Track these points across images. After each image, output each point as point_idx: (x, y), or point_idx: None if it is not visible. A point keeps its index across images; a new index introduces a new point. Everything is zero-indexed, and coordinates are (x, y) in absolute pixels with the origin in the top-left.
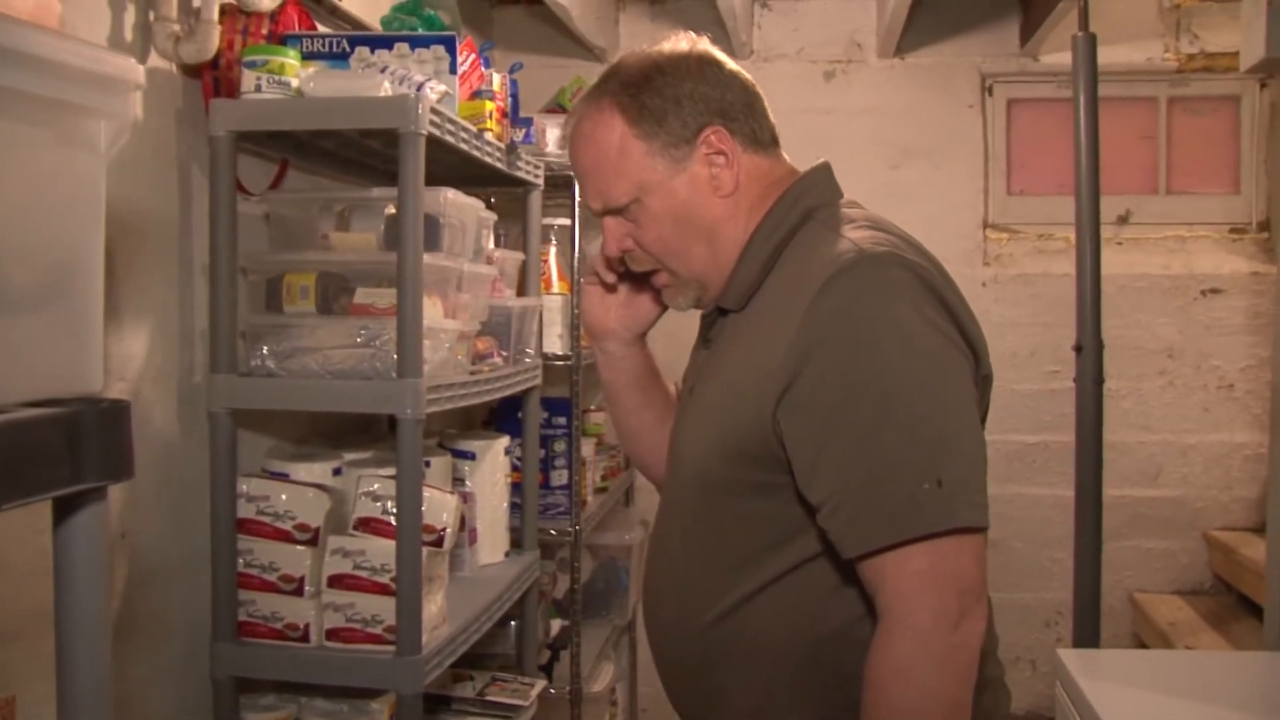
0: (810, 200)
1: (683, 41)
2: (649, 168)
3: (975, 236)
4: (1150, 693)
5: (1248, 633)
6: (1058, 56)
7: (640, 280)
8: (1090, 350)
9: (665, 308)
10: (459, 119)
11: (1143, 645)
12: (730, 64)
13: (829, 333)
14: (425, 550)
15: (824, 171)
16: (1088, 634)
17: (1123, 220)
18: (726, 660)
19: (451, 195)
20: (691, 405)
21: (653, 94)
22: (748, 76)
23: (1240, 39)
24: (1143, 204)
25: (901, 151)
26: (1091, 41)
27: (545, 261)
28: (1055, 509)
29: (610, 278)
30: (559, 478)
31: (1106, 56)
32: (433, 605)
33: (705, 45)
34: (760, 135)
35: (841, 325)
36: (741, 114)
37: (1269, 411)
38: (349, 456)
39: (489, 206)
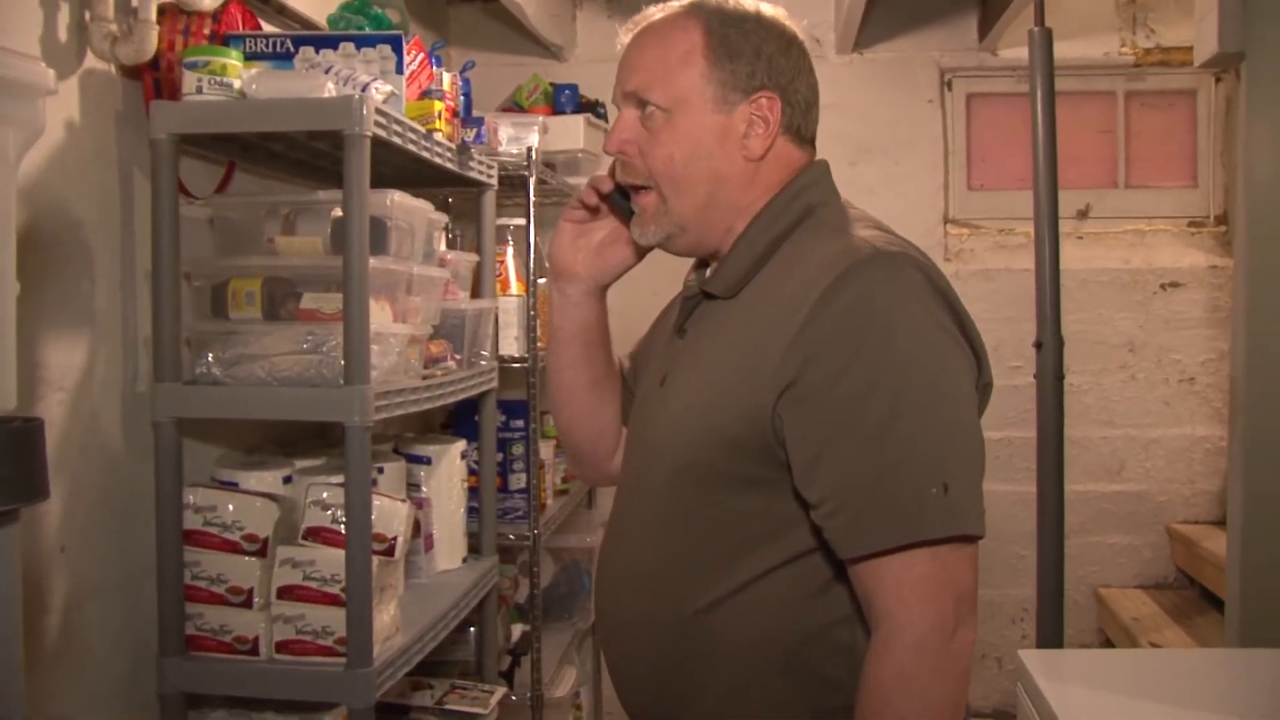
0: (812, 196)
1: (785, 14)
2: (699, 89)
3: (936, 232)
4: (1111, 693)
5: (1211, 626)
6: (1016, 51)
7: (614, 229)
8: (1050, 346)
9: (635, 261)
10: (406, 119)
11: (1108, 640)
12: (810, 61)
13: (841, 327)
14: (376, 560)
15: (824, 169)
16: (1051, 632)
17: (1082, 215)
18: (700, 660)
19: (398, 197)
20: (665, 395)
21: (741, 34)
22: (816, 82)
23: (1193, 34)
24: (1102, 198)
25: (861, 148)
26: (1048, 36)
27: (501, 262)
28: (1019, 505)
29: (593, 200)
30: (517, 481)
31: (1064, 51)
32: (385, 615)
33: (801, 32)
34: (804, 130)
35: (854, 321)
36: (799, 103)
37: (1228, 405)
38: (301, 464)
39: (445, 207)
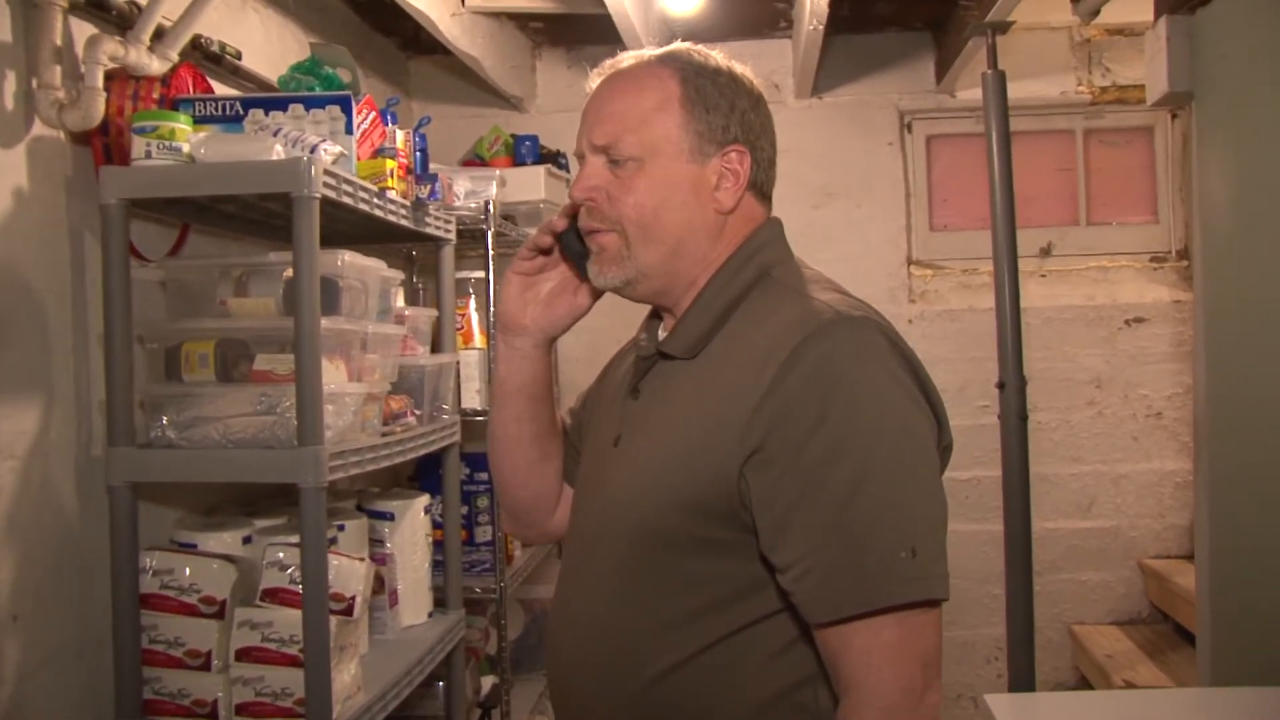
0: (766, 256)
1: (752, 73)
2: (673, 140)
3: (900, 274)
4: None
5: (1184, 662)
6: (974, 92)
7: (564, 277)
8: (1013, 386)
9: (583, 312)
10: (357, 179)
11: (1083, 678)
12: (772, 120)
13: (807, 392)
14: (334, 619)
15: (778, 228)
16: (1023, 672)
17: (1045, 252)
18: None
19: (349, 257)
20: (620, 456)
21: (716, 87)
22: (775, 139)
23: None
24: (1065, 235)
25: (822, 191)
26: (1001, 78)
27: (464, 315)
28: (990, 544)
29: (548, 241)
30: (483, 534)
31: (1022, 90)
32: (345, 675)
33: (764, 91)
34: (766, 187)
35: (819, 386)
36: (764, 160)
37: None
38: (261, 523)
39: (409, 260)
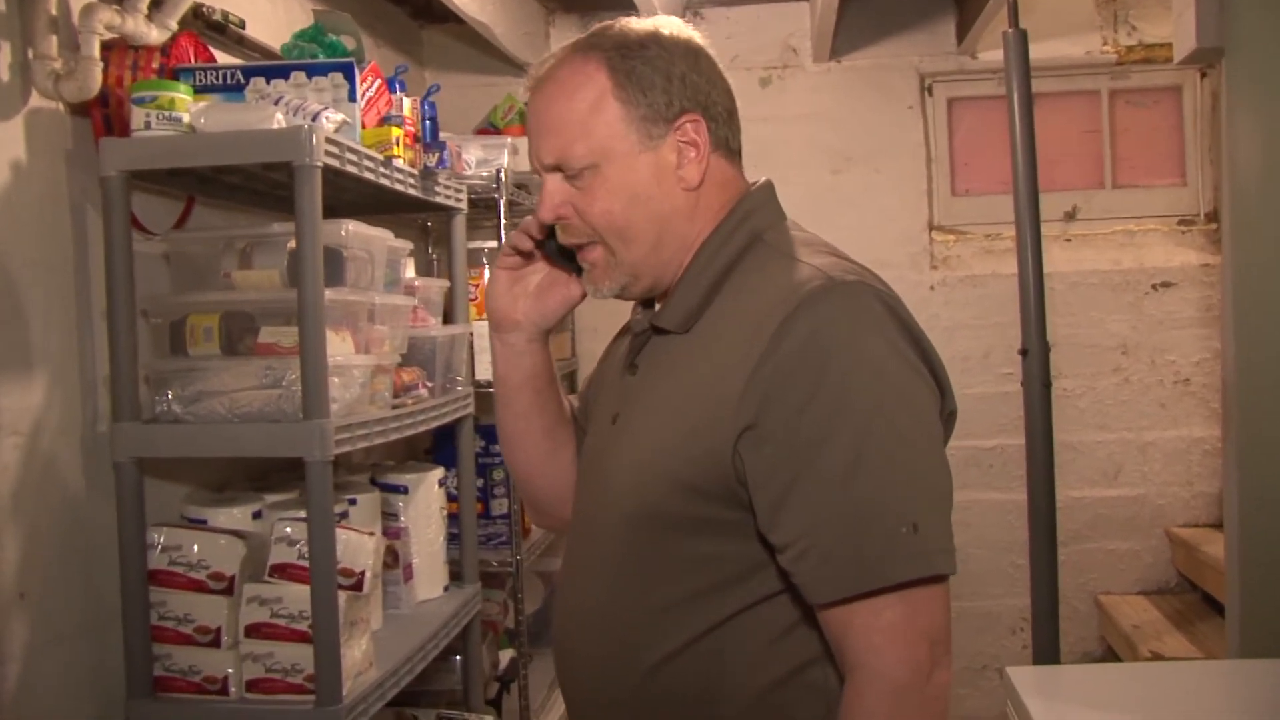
0: (757, 221)
1: (683, 26)
2: (619, 135)
3: (921, 239)
4: (1104, 711)
5: (1213, 632)
6: (996, 53)
7: (553, 268)
8: (1036, 353)
9: (576, 301)
10: (361, 147)
11: (1110, 648)
12: (720, 65)
13: (799, 364)
14: (343, 595)
15: (769, 190)
16: (1047, 643)
17: (1070, 216)
18: (667, 710)
19: (354, 226)
20: (618, 435)
21: (645, 62)
22: (729, 86)
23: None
24: (1090, 199)
25: (842, 156)
26: (1023, 37)
27: (477, 285)
28: (1014, 513)
29: (527, 244)
30: (499, 507)
31: (1045, 51)
32: (355, 650)
33: (702, 39)
34: (731, 142)
35: (812, 356)
36: (722, 116)
37: (1222, 406)
38: (271, 498)
39: (423, 231)
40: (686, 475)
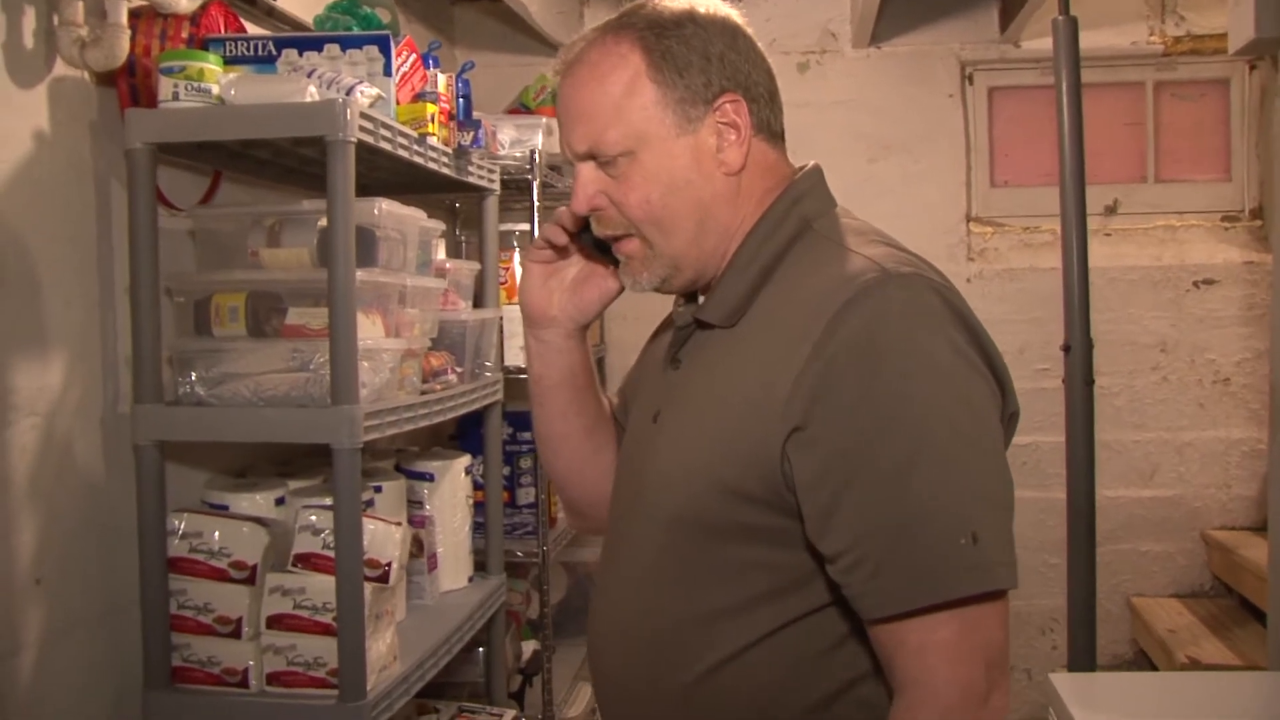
0: (807, 208)
1: (720, 4)
2: (655, 119)
3: (959, 231)
4: None
5: (1252, 638)
6: (1039, 42)
7: (589, 261)
8: (1079, 350)
9: (615, 295)
10: (396, 123)
11: (1142, 652)
12: (760, 45)
13: (852, 361)
14: (369, 586)
15: (818, 176)
16: (1083, 647)
17: (1110, 210)
18: None
19: (387, 205)
20: (659, 433)
21: (681, 41)
22: (769, 66)
23: (1227, 19)
24: (1131, 193)
25: (880, 144)
26: (1073, 25)
27: (507, 269)
28: (1048, 512)
29: (561, 238)
30: (526, 496)
31: (1090, 41)
32: (380, 644)
33: (739, 17)
34: (774, 125)
35: (866, 354)
36: (763, 96)
37: (1268, 407)
38: (295, 484)
39: (452, 212)
40: (731, 478)
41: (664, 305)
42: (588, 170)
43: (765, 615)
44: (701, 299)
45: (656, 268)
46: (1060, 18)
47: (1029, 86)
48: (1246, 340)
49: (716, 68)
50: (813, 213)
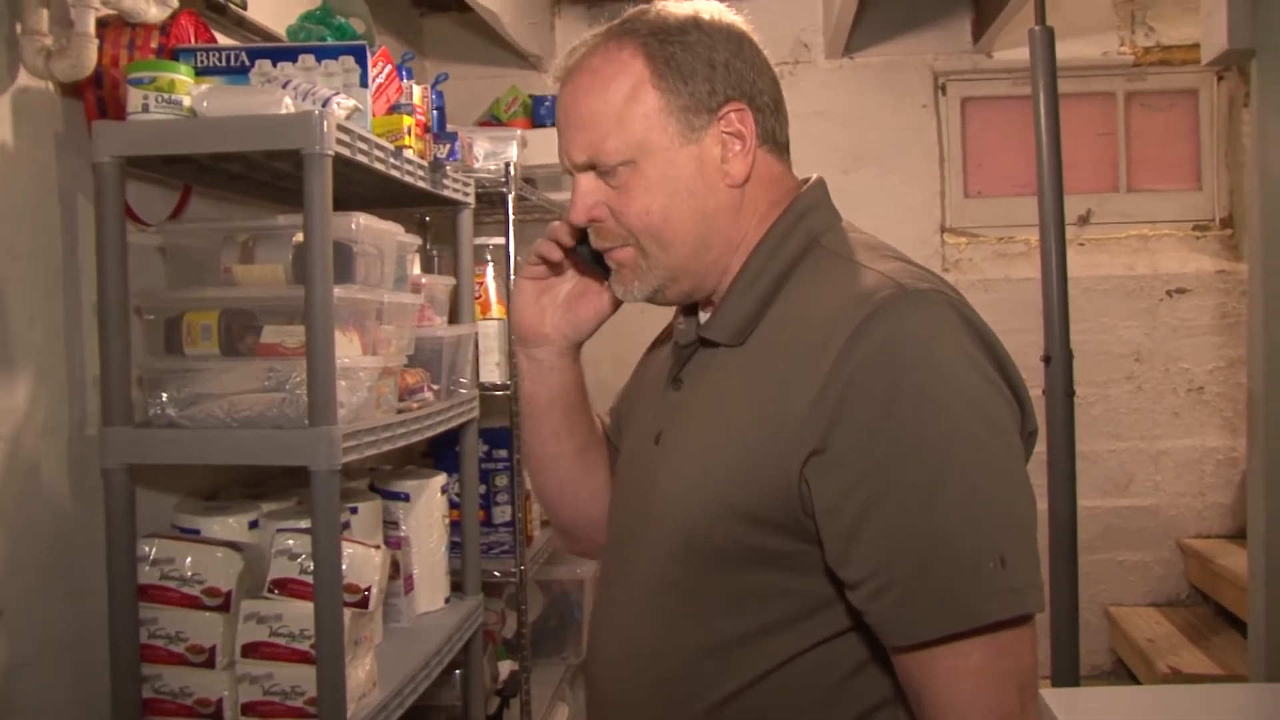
0: (813, 222)
1: (725, 10)
2: (658, 127)
3: (933, 241)
4: None
5: (1230, 647)
6: (1012, 52)
7: (584, 277)
8: (1060, 360)
9: (611, 312)
10: (372, 136)
11: (1120, 662)
12: (765, 54)
13: (872, 380)
14: (348, 612)
15: (822, 189)
16: (1066, 658)
17: (1084, 220)
18: None
19: (365, 220)
20: (663, 455)
21: (685, 48)
22: (775, 75)
23: (1199, 30)
24: (1104, 203)
25: (853, 155)
26: (1049, 35)
27: (481, 284)
28: None
29: (556, 254)
30: (502, 514)
31: (1061, 51)
32: (360, 671)
33: (745, 24)
34: (779, 136)
35: (885, 373)
36: (768, 106)
37: (1241, 416)
38: (267, 507)
39: (422, 227)
40: (745, 502)
41: (660, 317)
42: (587, 180)
43: (781, 642)
44: (702, 315)
45: (650, 277)
46: (1037, 28)
47: (1002, 97)
48: (1219, 349)
49: (721, 75)
50: (820, 227)
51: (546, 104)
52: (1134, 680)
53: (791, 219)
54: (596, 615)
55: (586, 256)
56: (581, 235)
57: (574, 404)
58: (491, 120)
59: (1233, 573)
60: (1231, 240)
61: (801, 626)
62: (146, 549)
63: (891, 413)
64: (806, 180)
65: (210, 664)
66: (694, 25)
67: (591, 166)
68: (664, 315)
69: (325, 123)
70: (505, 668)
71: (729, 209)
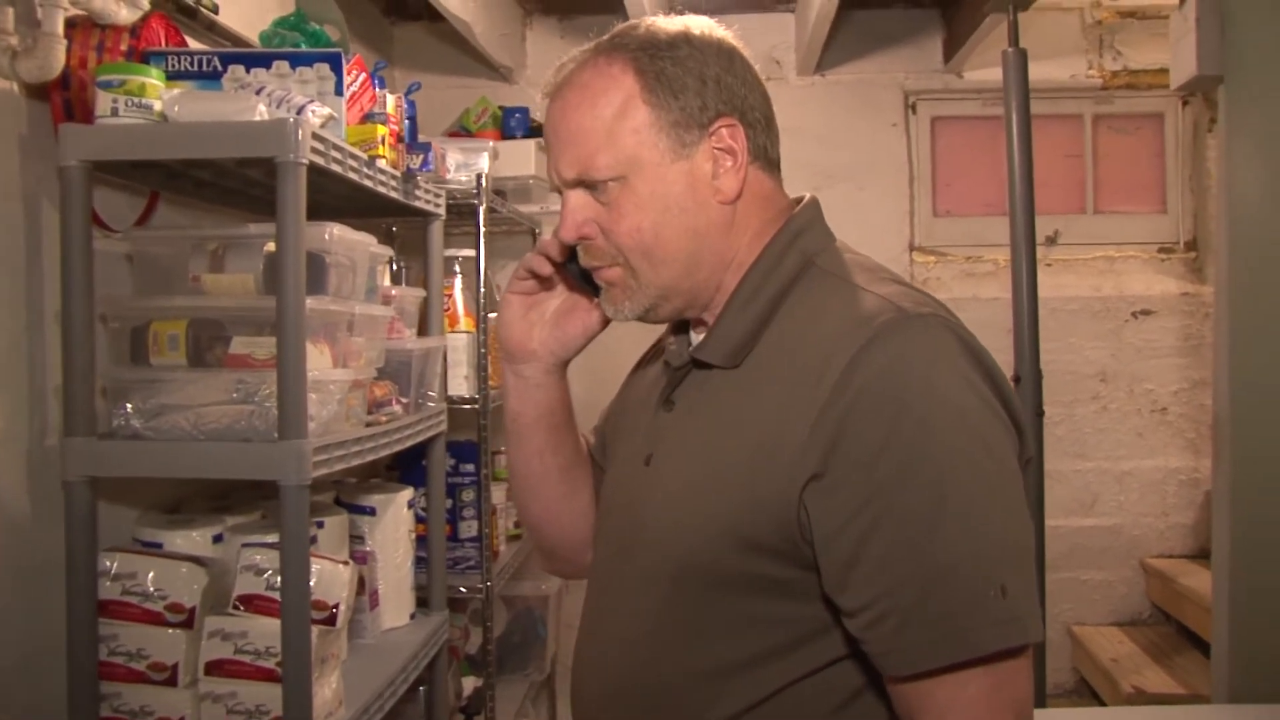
0: (808, 242)
1: (715, 25)
2: (648, 143)
3: (902, 260)
4: None
5: (1192, 667)
6: (983, 73)
7: (572, 293)
8: (1029, 380)
9: (599, 329)
10: (346, 145)
11: (1083, 680)
12: (756, 70)
13: (872, 405)
14: (316, 629)
15: (816, 209)
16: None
17: (1051, 241)
18: None
19: (338, 231)
20: (653, 477)
21: (676, 63)
22: (766, 92)
23: (1166, 55)
24: (1071, 224)
25: (823, 173)
26: (1022, 57)
27: (450, 296)
28: None
29: (546, 269)
30: (468, 529)
31: (1031, 73)
32: (326, 689)
33: (735, 40)
34: (770, 152)
35: (887, 397)
36: (759, 123)
37: (1204, 437)
38: (232, 521)
39: (389, 238)
40: (742, 527)
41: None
42: (576, 197)
43: (776, 670)
44: (694, 335)
45: (639, 298)
46: (1010, 50)
47: (971, 117)
48: (1183, 370)
49: (712, 91)
50: (815, 248)
51: (516, 115)
52: (1097, 699)
53: (787, 238)
54: (584, 640)
55: (576, 273)
56: (571, 251)
57: (559, 423)
58: (460, 131)
59: (1195, 592)
60: (1196, 263)
61: (797, 653)
62: (107, 563)
63: (893, 439)
64: (799, 199)
65: (172, 682)
66: (684, 40)
67: (581, 183)
68: (643, 332)
69: (300, 131)
70: (469, 684)
71: (720, 226)
